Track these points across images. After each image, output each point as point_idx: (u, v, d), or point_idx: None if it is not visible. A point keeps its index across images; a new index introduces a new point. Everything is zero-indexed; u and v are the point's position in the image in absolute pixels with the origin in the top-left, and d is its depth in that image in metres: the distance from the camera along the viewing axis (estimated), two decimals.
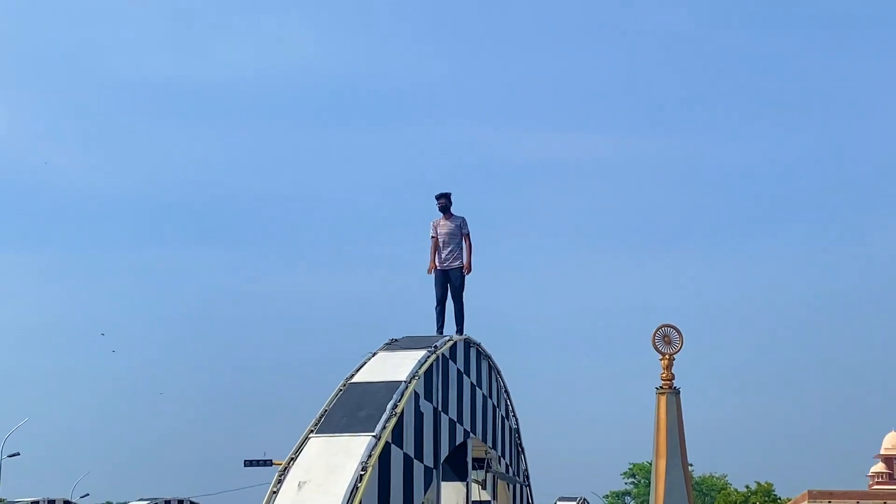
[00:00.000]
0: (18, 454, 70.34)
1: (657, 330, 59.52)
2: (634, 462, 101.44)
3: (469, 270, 16.14)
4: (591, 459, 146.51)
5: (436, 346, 14.01)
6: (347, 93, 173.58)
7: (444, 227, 16.11)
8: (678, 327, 59.94)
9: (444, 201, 16.23)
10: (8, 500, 40.35)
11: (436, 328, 15.80)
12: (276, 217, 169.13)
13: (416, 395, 12.68)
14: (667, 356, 59.11)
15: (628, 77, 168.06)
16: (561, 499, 38.19)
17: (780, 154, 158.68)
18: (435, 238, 16.07)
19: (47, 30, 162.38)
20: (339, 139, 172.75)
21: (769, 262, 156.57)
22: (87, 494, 60.05)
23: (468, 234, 16.15)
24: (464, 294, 16.23)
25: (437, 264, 16.08)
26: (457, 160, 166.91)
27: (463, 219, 16.22)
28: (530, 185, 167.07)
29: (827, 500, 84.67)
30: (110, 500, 64.11)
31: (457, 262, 16.02)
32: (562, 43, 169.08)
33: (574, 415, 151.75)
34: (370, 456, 10.69)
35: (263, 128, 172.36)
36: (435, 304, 16.06)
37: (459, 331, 15.82)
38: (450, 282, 16.00)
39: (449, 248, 16.03)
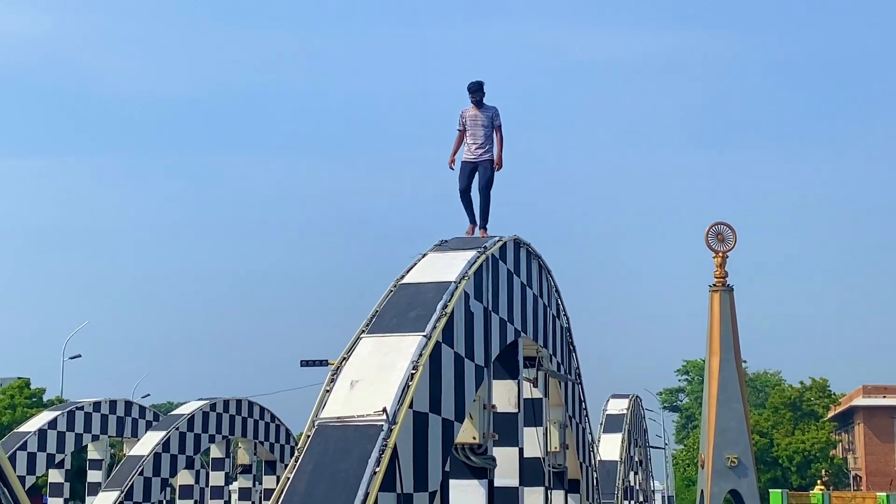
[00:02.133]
0: (80, 356, 71.72)
1: (710, 227, 59.47)
2: (688, 359, 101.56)
3: (500, 166, 15.48)
4: (643, 357, 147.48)
5: (485, 247, 14.02)
6: None
7: (475, 117, 15.31)
8: (732, 225, 60.00)
9: (478, 94, 15.32)
10: (70, 400, 41.07)
11: (468, 218, 15.49)
12: (330, 121, 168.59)
13: (466, 295, 12.76)
14: (720, 254, 59.11)
15: None
16: (614, 396, 38.29)
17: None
18: (461, 131, 15.43)
19: None
20: (396, 38, 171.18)
21: (826, 164, 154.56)
22: (148, 395, 61.30)
23: (500, 126, 15.42)
24: (492, 190, 15.56)
25: (466, 155, 15.41)
26: (518, 59, 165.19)
27: (495, 109, 15.47)
28: (593, 83, 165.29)
29: (882, 395, 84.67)
30: (171, 400, 65.30)
31: (487, 156, 15.32)
32: None
33: (626, 313, 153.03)
34: (421, 355, 10.81)
35: (314, 30, 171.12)
36: (460, 192, 15.51)
37: (483, 226, 15.40)
38: (478, 174, 15.36)
39: (479, 141, 15.29)
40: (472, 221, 15.29)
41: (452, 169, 15.39)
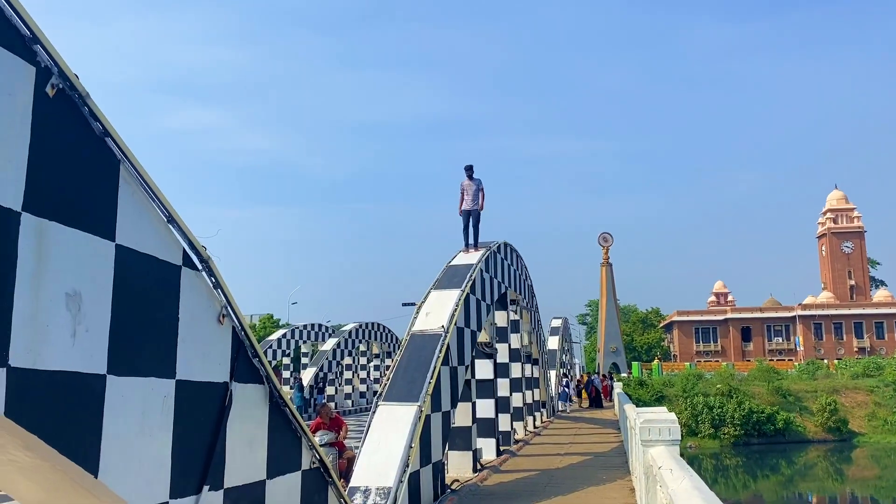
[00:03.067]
0: (297, 303, 72.65)
1: (600, 234, 59.32)
2: (591, 299, 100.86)
3: (482, 209, 13.55)
4: (570, 298, 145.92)
5: (490, 247, 13.93)
6: None
7: (469, 185, 13.41)
8: (611, 232, 59.83)
9: (469, 171, 13.47)
10: (292, 324, 41.38)
11: (464, 242, 13.41)
12: (415, 182, 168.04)
13: (481, 270, 12.69)
14: (605, 247, 58.88)
15: None
16: (554, 317, 38.02)
17: None
18: (462, 192, 13.48)
19: None
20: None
21: (656, 201, 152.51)
22: (329, 321, 61.33)
23: (482, 189, 13.55)
24: (479, 225, 13.64)
25: (465, 207, 13.41)
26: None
27: (480, 180, 13.62)
28: (536, 165, 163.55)
29: (686, 315, 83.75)
30: (340, 322, 65.97)
31: (475, 206, 13.44)
32: None
33: (560, 276, 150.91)
34: (460, 299, 10.79)
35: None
36: (462, 228, 13.49)
37: (475, 245, 13.35)
38: (471, 217, 13.45)
39: (472, 198, 13.39)
40: (467, 245, 13.32)
41: (461, 215, 13.70)
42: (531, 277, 21.42)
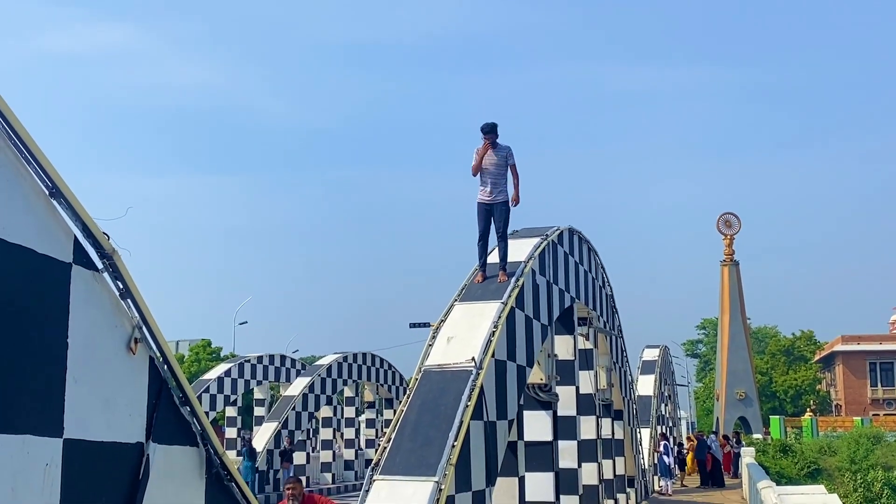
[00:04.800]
0: (246, 322, 73.08)
1: (720, 216, 58.91)
2: (705, 318, 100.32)
3: (517, 202, 12.02)
4: (671, 317, 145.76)
5: (547, 235, 13.97)
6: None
7: (490, 158, 11.80)
8: (737, 213, 59.33)
9: (491, 135, 11.76)
10: (240, 355, 41.79)
11: (479, 259, 12.08)
12: (427, 141, 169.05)
13: (533, 271, 12.75)
14: (728, 236, 58.52)
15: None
16: (648, 346, 37.85)
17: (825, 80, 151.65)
18: (479, 169, 11.92)
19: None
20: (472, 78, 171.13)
21: (814, 166, 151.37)
22: (297, 350, 61.99)
23: (514, 165, 11.95)
24: (507, 230, 12.22)
25: (481, 196, 11.96)
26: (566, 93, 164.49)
27: (508, 148, 11.91)
28: (631, 109, 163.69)
29: (857, 343, 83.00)
30: (314, 354, 66.18)
31: (501, 197, 11.89)
32: None
33: (657, 283, 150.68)
34: (500, 317, 10.82)
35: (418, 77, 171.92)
36: (479, 234, 12.08)
37: (503, 267, 11.81)
38: (493, 217, 11.93)
39: (492, 181, 11.85)
40: (483, 264, 11.93)
41: (474, 175, 11.99)
42: (611, 284, 21.37)
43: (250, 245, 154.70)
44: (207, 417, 4.96)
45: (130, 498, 4.36)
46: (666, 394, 42.49)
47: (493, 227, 12.05)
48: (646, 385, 33.72)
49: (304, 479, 31.55)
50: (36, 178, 3.87)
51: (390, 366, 40.84)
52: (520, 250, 12.80)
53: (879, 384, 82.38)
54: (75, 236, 4.11)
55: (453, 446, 9.01)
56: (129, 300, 4.43)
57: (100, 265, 4.27)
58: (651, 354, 36.73)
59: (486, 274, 11.92)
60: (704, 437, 35.60)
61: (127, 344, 4.41)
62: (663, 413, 39.44)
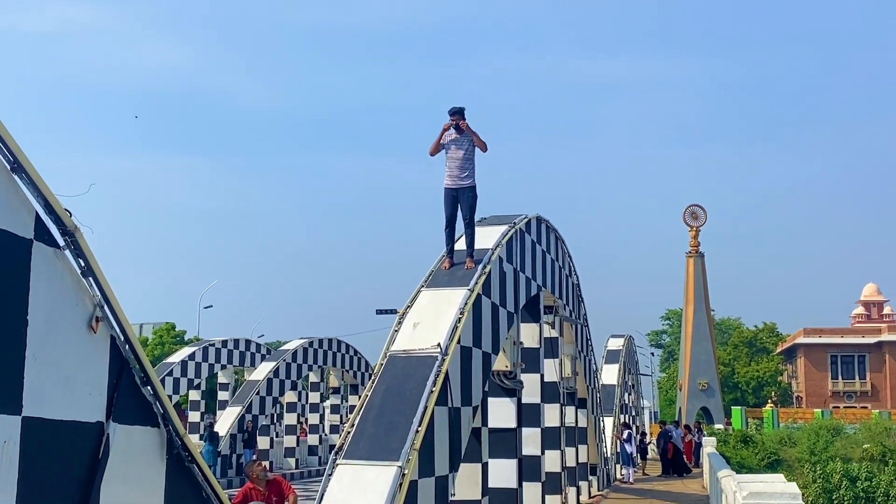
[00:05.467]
0: (211, 306, 72.66)
1: (686, 208, 59.30)
2: (669, 308, 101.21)
3: (485, 149, 11.86)
4: (636, 307, 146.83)
5: (514, 222, 13.97)
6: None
7: (456, 140, 11.74)
8: (703, 205, 59.75)
9: (458, 116, 11.71)
10: (205, 339, 41.57)
11: (446, 245, 12.01)
12: (396, 128, 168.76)
13: (500, 259, 12.76)
14: (694, 228, 58.95)
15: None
16: (612, 336, 38.09)
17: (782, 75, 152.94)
18: (443, 151, 11.92)
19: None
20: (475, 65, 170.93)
21: (780, 158, 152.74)
22: (263, 335, 61.66)
23: (477, 137, 11.80)
24: (475, 213, 12.15)
25: (447, 182, 11.86)
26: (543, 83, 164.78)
27: (473, 134, 11.81)
28: (601, 100, 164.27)
29: (818, 335, 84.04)
30: (279, 339, 65.82)
31: (468, 181, 11.80)
32: None
33: (622, 273, 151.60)
34: (466, 304, 10.84)
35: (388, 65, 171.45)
36: (445, 220, 11.99)
37: (470, 254, 11.82)
38: (460, 203, 11.84)
39: (458, 165, 11.77)
40: (450, 255, 11.83)
41: (432, 156, 11.95)
42: (577, 273, 21.46)
43: (218, 228, 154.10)
44: (170, 400, 4.94)
45: (90, 477, 4.34)
46: (630, 383, 42.85)
47: (459, 213, 11.99)
48: (610, 374, 33.94)
49: (266, 463, 31.51)
50: None
51: (356, 352, 40.85)
52: (487, 237, 12.81)
53: (840, 377, 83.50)
54: (37, 212, 4.07)
55: (417, 431, 9.03)
56: (90, 278, 4.40)
57: (61, 242, 4.23)
58: (616, 344, 36.97)
59: (453, 261, 11.90)
60: (667, 427, 35.91)
61: (88, 322, 4.38)
62: (627, 402, 39.76)
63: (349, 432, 9.23)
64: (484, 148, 11.94)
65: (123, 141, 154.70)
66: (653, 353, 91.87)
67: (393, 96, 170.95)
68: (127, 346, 4.65)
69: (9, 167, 3.91)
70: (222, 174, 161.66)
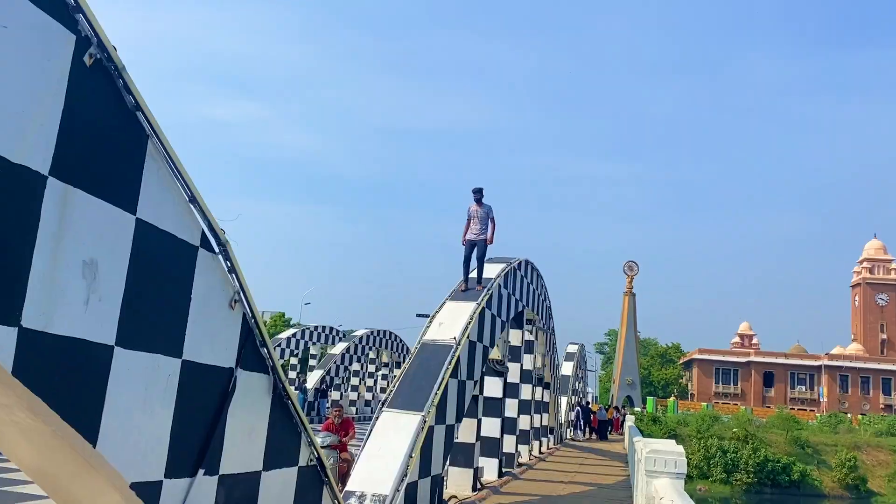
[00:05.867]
0: (310, 303, 72.59)
1: (625, 263, 58.94)
2: (610, 328, 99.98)
3: (491, 242, 11.88)
4: (588, 325, 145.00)
5: (510, 262, 13.92)
6: None
7: (477, 211, 11.81)
8: (636, 260, 59.38)
9: (478, 195, 11.79)
10: (303, 324, 41.61)
11: (463, 276, 11.89)
12: (435, 197, 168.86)
13: (500, 285, 12.72)
14: (630, 277, 58.43)
15: None
16: (571, 342, 37.68)
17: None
18: (469, 219, 11.91)
19: None
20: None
21: (692, 226, 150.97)
22: (341, 324, 61.31)
23: (493, 219, 11.87)
24: (485, 259, 12.23)
25: (469, 236, 11.87)
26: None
27: (490, 206, 11.85)
28: (575, 187, 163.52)
29: (708, 354, 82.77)
30: (352, 328, 65.62)
31: (483, 236, 11.80)
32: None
33: (580, 298, 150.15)
34: (475, 313, 10.81)
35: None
36: (463, 260, 11.89)
37: (479, 282, 11.88)
38: (476, 248, 11.85)
39: (479, 227, 11.80)
40: (466, 280, 11.76)
41: (464, 245, 11.95)
42: (550, 299, 21.34)
43: (322, 254, 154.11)
44: (278, 359, 4.96)
45: (222, 403, 4.35)
46: (580, 376, 42.19)
47: (474, 254, 11.97)
48: (567, 368, 33.51)
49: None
50: (181, 188, 3.91)
51: (401, 340, 40.78)
52: (492, 271, 12.79)
53: (720, 382, 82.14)
54: (202, 229, 4.14)
55: (436, 394, 8.98)
56: (233, 275, 4.44)
57: (217, 249, 4.29)
58: (573, 348, 36.53)
59: (467, 286, 11.79)
60: (589, 406, 35.42)
61: (229, 303, 4.42)
62: (577, 388, 39.16)
63: (391, 391, 9.21)
64: (491, 240, 11.83)
65: (260, 190, 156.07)
66: (596, 357, 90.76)
67: (432, 174, 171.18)
68: (253, 321, 4.68)
69: (187, 198, 3.99)
70: (322, 216, 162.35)
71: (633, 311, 57.50)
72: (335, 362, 33.78)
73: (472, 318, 10.60)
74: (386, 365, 41.49)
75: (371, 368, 39.73)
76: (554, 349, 24.88)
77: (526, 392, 18.06)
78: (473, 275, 12.03)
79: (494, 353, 13.76)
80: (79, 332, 3.19)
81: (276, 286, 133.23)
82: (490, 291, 11.84)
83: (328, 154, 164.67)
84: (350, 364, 35.60)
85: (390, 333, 39.63)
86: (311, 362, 38.50)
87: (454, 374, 9.74)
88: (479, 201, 11.78)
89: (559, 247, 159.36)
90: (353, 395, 37.63)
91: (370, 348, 37.69)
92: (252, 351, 4.67)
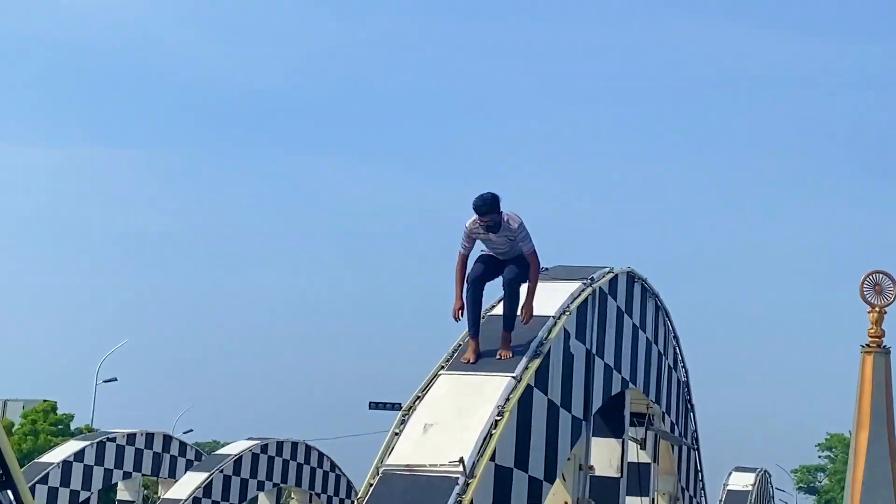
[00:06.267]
0: (115, 380, 72.61)
1: (866, 277, 58.78)
2: (832, 432, 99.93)
3: (528, 320, 12.11)
4: (777, 426, 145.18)
5: (592, 279, 14.05)
6: None
7: (490, 241, 12.16)
8: (892, 275, 59.16)
9: (491, 214, 11.87)
10: (102, 430, 41.64)
11: (468, 329, 12.20)
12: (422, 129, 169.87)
13: (567, 333, 12.81)
14: (877, 308, 58.32)
15: None
16: (737, 469, 37.83)
17: None
18: (465, 255, 12.23)
19: None
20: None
21: None
22: (191, 430, 61.82)
23: (533, 253, 12.17)
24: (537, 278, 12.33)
25: (473, 273, 12.13)
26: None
27: (519, 230, 12.08)
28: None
29: None
30: (216, 439, 65.43)
31: (514, 253, 12.18)
32: None
33: (761, 371, 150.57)
34: (508, 399, 10.82)
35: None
36: (468, 284, 12.16)
37: (509, 329, 12.03)
38: (504, 267, 12.18)
39: (502, 255, 12.28)
40: (474, 335, 11.97)
41: (458, 320, 12.18)
42: (687, 362, 21.35)
43: (132, 262, 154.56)
44: None
45: None
46: None
47: (508, 277, 12.15)
48: None
49: None
50: None
51: (333, 465, 40.91)
52: (548, 299, 12.87)
53: None
54: None
55: None
56: None
57: None
58: (741, 481, 36.77)
59: (479, 347, 11.86)
60: None
61: None
62: None
63: None
64: (528, 317, 12.16)
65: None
66: (801, 502, 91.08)
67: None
68: None
69: None
70: (145, 174, 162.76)
71: (884, 388, 57.54)
72: None
73: (501, 414, 10.63)
74: None
75: None
76: (698, 483, 24.94)
77: None
78: (498, 311, 12.32)
79: (557, 496, 13.80)
80: None
81: (34, 345, 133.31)
82: (545, 348, 11.89)
83: (152, 28, 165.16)
84: None
85: (307, 449, 39.76)
86: None
87: None
88: (488, 227, 12.05)
89: (695, 247, 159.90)
90: None
91: (260, 485, 37.71)
92: None
